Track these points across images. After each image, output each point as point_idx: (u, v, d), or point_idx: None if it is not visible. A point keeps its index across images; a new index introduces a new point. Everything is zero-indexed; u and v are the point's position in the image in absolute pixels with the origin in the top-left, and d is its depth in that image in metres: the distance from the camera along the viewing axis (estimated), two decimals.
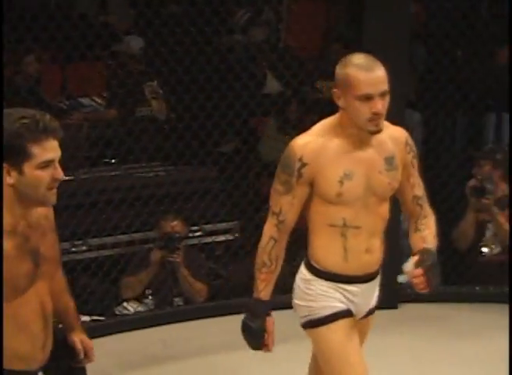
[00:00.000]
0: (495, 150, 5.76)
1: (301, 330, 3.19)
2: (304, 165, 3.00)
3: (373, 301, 3.22)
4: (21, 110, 2.43)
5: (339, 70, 3.01)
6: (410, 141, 3.16)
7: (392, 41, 5.62)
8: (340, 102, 2.99)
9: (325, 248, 3.08)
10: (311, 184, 3.02)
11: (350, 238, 3.05)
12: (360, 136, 3.01)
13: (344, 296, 3.10)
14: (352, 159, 3.01)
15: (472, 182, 5.40)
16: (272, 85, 7.14)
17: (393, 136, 3.10)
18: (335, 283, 3.09)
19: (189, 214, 5.91)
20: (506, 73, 6.73)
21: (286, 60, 6.83)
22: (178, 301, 5.64)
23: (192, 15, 6.35)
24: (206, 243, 6.15)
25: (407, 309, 5.89)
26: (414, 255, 3.08)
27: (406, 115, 5.91)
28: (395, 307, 5.84)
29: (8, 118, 2.39)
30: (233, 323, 5.48)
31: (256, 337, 3.08)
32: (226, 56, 6.43)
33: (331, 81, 7.12)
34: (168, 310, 5.59)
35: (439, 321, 5.71)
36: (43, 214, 2.57)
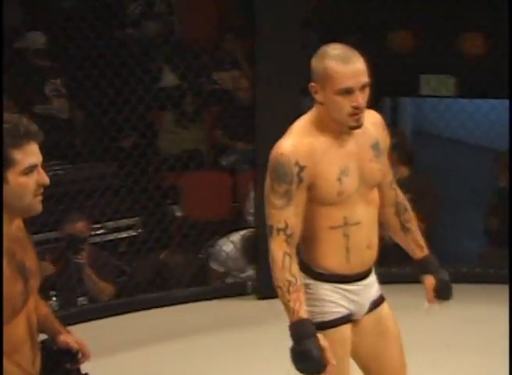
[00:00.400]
0: (391, 134, 5.78)
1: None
2: (302, 168, 2.82)
3: (374, 293, 3.05)
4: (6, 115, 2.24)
5: (316, 63, 2.83)
6: (384, 124, 3.07)
7: (285, 28, 5.64)
8: (318, 97, 2.83)
9: (327, 252, 2.92)
10: (309, 188, 2.85)
11: (352, 237, 2.91)
12: (342, 130, 2.87)
13: (345, 296, 2.95)
14: (343, 154, 2.87)
15: None
16: (169, 79, 7.09)
17: (372, 121, 2.98)
18: (335, 285, 2.93)
19: (90, 212, 5.83)
20: (397, 57, 6.86)
21: (181, 53, 6.79)
22: (82, 300, 5.55)
23: (83, 9, 6.25)
24: (109, 240, 6.08)
25: None
26: (421, 272, 3.07)
27: (302, 102, 5.94)
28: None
29: None
30: (139, 319, 5.46)
31: (318, 360, 2.74)
32: (119, 51, 6.34)
33: (226, 72, 7.18)
34: (72, 310, 5.49)
35: None
36: (18, 225, 2.37)
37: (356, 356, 3.04)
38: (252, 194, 6.03)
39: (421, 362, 4.34)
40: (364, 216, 2.93)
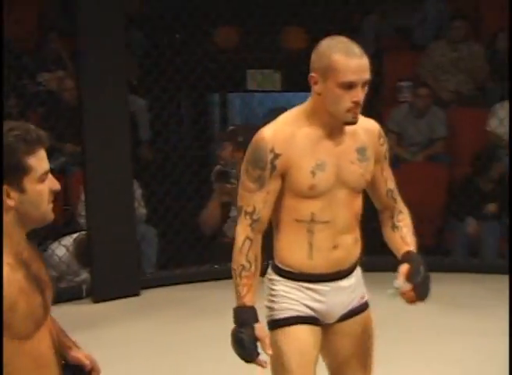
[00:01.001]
0: (236, 132, 5.71)
1: None
2: (276, 156, 2.78)
3: (354, 300, 2.95)
4: (5, 123, 2.11)
5: (319, 55, 2.77)
6: (383, 134, 2.96)
7: (108, 26, 5.58)
8: (317, 88, 2.77)
9: (290, 245, 2.87)
10: (283, 177, 2.80)
11: (317, 234, 2.84)
12: (333, 124, 2.80)
13: (310, 296, 2.88)
14: (323, 149, 2.81)
15: (217, 168, 5.42)
16: None
17: (366, 127, 2.90)
18: (299, 283, 2.87)
19: None
20: (223, 53, 6.89)
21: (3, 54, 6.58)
22: None
23: None
24: None
25: (151, 295, 5.91)
26: (400, 263, 2.84)
27: (129, 101, 5.89)
28: (137, 294, 5.85)
29: None
30: None
31: (248, 348, 2.76)
32: None
33: (51, 73, 7.01)
34: None
35: (185, 303, 5.78)
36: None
37: (326, 359, 3.00)
38: (83, 197, 5.93)
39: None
40: (336, 217, 2.84)
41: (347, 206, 2.86)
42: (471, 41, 7.38)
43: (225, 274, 5.70)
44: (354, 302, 2.95)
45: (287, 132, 2.80)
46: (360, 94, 2.73)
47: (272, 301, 2.89)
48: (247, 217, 2.82)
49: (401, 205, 3.01)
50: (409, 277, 2.75)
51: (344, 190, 2.85)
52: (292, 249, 2.86)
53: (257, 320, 2.80)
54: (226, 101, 8.53)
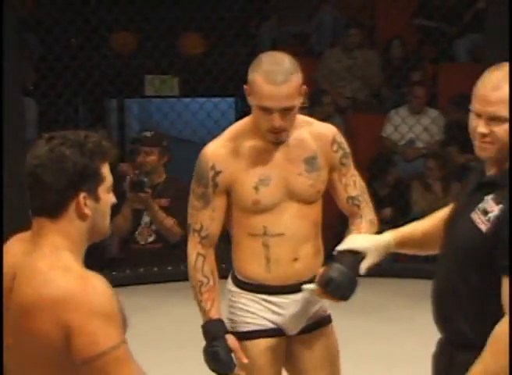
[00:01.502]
0: (160, 136, 5.57)
1: None
2: (217, 173, 2.74)
3: (317, 312, 2.88)
4: (71, 132, 2.00)
5: (251, 68, 2.71)
6: (339, 139, 2.85)
7: None
8: (249, 100, 2.73)
9: (247, 258, 2.81)
10: (228, 193, 2.76)
11: (274, 247, 2.77)
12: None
13: (269, 309, 2.82)
14: (267, 163, 2.75)
15: (130, 177, 5.33)
16: None
17: (317, 133, 2.82)
18: (258, 295, 2.82)
19: None
20: (120, 58, 6.83)
21: None
22: None
23: None
24: None
25: None
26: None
27: (24, 104, 5.79)
28: None
29: (68, 141, 1.96)
30: None
31: (225, 361, 2.73)
32: None
33: None
34: None
35: None
36: None
37: (291, 371, 2.95)
38: None
39: None
40: (291, 229, 2.78)
41: (302, 217, 2.80)
42: (365, 49, 7.51)
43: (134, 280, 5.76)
44: (317, 314, 2.90)
45: (229, 148, 2.77)
46: (276, 121, 2.66)
47: (232, 313, 2.86)
48: (196, 235, 2.80)
49: (365, 211, 2.90)
50: (320, 280, 2.68)
51: (295, 202, 2.78)
52: (249, 262, 2.81)
53: (227, 332, 2.78)
54: (124, 106, 8.46)
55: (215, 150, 2.78)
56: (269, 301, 2.82)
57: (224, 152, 2.76)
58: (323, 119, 7.35)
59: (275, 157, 2.77)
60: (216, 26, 6.76)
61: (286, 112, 2.67)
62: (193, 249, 2.81)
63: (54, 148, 1.95)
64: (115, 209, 6.07)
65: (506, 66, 2.31)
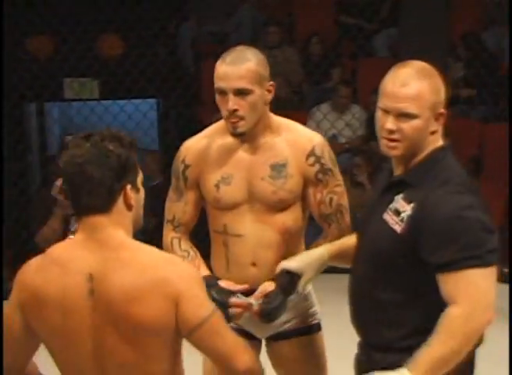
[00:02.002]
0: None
1: None
2: (186, 167, 2.74)
3: (290, 321, 2.78)
4: (95, 130, 2.03)
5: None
6: (319, 153, 2.71)
7: None
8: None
9: (214, 255, 2.79)
10: (198, 187, 2.75)
11: (232, 247, 2.72)
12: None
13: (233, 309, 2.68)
14: (232, 162, 2.70)
15: (59, 181, 5.18)
16: None
17: (292, 142, 2.71)
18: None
19: None
20: (38, 62, 6.72)
21: None
22: None
23: None
24: None
25: None
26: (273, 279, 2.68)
27: None
28: None
29: (107, 136, 1.99)
30: None
31: (219, 301, 2.56)
32: None
33: None
34: None
35: None
36: None
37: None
38: None
39: None
40: (251, 232, 2.70)
41: (266, 222, 2.71)
42: (285, 46, 7.54)
43: None
44: (291, 323, 2.79)
45: (202, 144, 2.75)
46: (229, 103, 2.59)
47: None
48: (169, 224, 2.82)
49: (333, 232, 2.76)
50: (262, 308, 2.61)
51: (258, 205, 2.70)
52: (214, 259, 2.81)
53: (216, 281, 2.69)
54: (44, 110, 8.33)
55: (189, 144, 2.78)
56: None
57: (196, 147, 2.76)
58: None
59: (241, 157, 2.71)
60: (134, 27, 6.71)
61: (241, 96, 2.60)
62: (167, 236, 2.82)
63: (96, 143, 1.98)
64: (41, 220, 6.03)
65: (413, 63, 2.32)
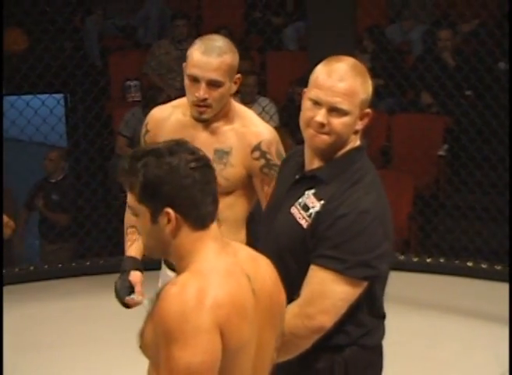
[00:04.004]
0: None
1: None
2: (146, 132, 2.89)
3: None
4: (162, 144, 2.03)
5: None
6: (265, 148, 2.80)
7: None
8: (184, 73, 2.83)
9: None
10: None
11: None
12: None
13: None
14: (186, 136, 2.59)
15: None
16: None
17: (240, 133, 2.82)
18: None
19: None
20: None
21: None
22: None
23: None
24: None
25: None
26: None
27: None
28: None
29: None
30: None
31: (119, 291, 2.76)
32: None
33: None
34: None
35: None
36: None
37: None
38: None
39: None
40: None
41: (227, 205, 2.78)
42: (192, 39, 7.50)
43: None
44: None
45: (165, 113, 2.90)
46: (201, 91, 2.73)
47: None
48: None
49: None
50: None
51: None
52: None
53: (134, 268, 2.80)
54: None
55: (154, 111, 2.94)
56: None
57: (158, 115, 2.91)
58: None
59: (192, 136, 2.77)
60: (38, 21, 6.57)
61: (213, 87, 2.74)
62: (128, 220, 2.89)
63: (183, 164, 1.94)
64: None
65: (347, 59, 2.32)
